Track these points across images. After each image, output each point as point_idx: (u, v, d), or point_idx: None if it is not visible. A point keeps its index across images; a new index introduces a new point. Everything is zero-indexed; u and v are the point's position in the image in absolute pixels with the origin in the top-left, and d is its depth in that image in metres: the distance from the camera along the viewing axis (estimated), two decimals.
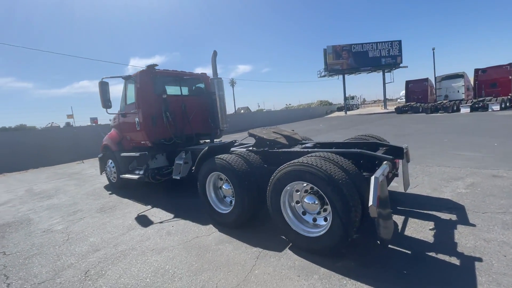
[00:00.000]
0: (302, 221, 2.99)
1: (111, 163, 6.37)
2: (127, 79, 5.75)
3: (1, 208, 5.83)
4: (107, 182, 6.98)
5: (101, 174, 7.01)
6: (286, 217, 2.98)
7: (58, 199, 6.07)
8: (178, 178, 5.08)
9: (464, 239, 2.80)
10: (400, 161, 3.57)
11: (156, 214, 4.52)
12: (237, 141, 5.45)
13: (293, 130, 4.81)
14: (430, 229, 3.09)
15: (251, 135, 4.29)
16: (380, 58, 36.73)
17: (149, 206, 4.95)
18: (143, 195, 5.73)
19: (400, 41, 36.75)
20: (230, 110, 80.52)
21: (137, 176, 5.43)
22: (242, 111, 72.76)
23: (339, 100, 42.96)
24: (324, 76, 39.85)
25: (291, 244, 3.01)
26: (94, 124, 6.38)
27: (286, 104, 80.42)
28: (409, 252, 2.70)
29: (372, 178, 2.43)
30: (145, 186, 6.30)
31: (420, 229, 3.11)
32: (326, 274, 2.47)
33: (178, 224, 3.98)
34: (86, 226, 4.25)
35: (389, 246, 2.82)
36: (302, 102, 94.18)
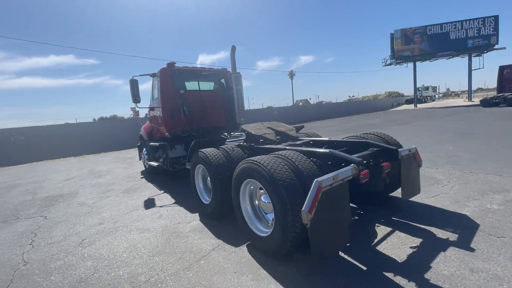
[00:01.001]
0: (262, 219, 2.93)
1: (144, 151, 7.29)
2: (153, 76, 6.41)
3: (66, 182, 7.39)
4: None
5: (139, 160, 8.08)
6: (244, 213, 2.97)
7: (103, 179, 7.32)
8: (189, 167, 5.50)
9: (444, 264, 2.30)
10: (389, 164, 3.07)
11: (162, 199, 5.03)
12: (228, 136, 5.52)
13: (293, 126, 4.62)
14: (411, 247, 2.62)
15: (242, 130, 4.32)
16: (465, 39, 30.62)
17: (162, 191, 5.53)
18: (164, 181, 6.40)
19: (496, 17, 29.80)
20: (288, 102, 79.50)
21: (157, 164, 6.10)
22: (300, 103, 71.26)
23: (411, 91, 37.46)
24: (390, 64, 35.56)
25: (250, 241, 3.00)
26: (136, 116, 7.39)
27: (349, 96, 74.81)
28: (364, 268, 2.37)
29: (314, 181, 2.22)
30: (170, 173, 6.99)
31: (399, 245, 2.67)
32: (261, 275, 2.40)
33: (173, 210, 4.36)
34: (108, 203, 5.05)
35: (348, 258, 2.53)
36: (367, 93, 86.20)
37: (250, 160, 2.73)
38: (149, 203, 4.81)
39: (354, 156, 2.71)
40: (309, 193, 2.17)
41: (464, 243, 2.58)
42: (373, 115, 25.96)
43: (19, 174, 9.77)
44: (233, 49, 6.41)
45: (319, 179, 2.22)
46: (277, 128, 4.35)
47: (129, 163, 9.76)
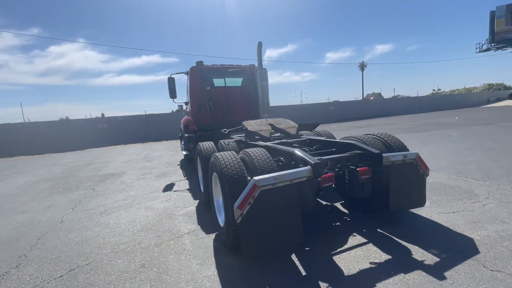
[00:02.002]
0: (221, 211, 3.06)
1: (182, 141, 8.17)
2: (187, 74, 7.09)
3: (123, 164, 8.93)
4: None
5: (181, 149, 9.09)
6: (215, 203, 3.16)
7: (150, 163, 8.54)
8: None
9: (392, 287, 2.01)
10: (368, 169, 2.75)
11: (181, 184, 5.64)
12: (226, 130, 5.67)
13: (295, 124, 4.50)
14: (371, 263, 2.35)
15: (242, 125, 4.45)
16: None
17: (185, 178, 6.16)
18: (193, 169, 7.07)
19: None
20: (358, 95, 73.59)
21: (186, 153, 6.79)
22: (371, 97, 65.06)
23: None
24: (487, 50, 28.99)
25: None
26: (181, 110, 8.19)
27: (433, 90, 63.94)
28: (304, 273, 2.28)
29: (252, 180, 2.25)
30: None
31: (359, 259, 2.43)
32: (207, 262, 2.57)
33: (182, 195, 4.88)
34: (141, 184, 5.96)
35: (296, 260, 2.46)
36: (457, 86, 72.20)
37: (214, 154, 2.89)
38: (168, 187, 5.46)
39: (315, 158, 2.56)
40: (244, 190, 2.21)
41: (439, 269, 2.17)
42: (455, 112, 21.88)
43: (98, 155, 12.23)
44: (260, 46, 6.51)
45: (257, 177, 2.23)
46: (278, 125, 4.32)
47: (177, 151, 11.03)
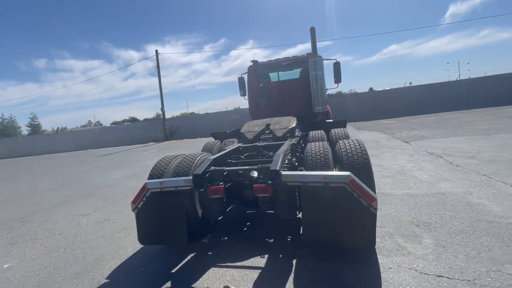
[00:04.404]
0: None
1: None
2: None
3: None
4: None
5: None
6: None
7: None
8: None
9: None
10: (264, 187, 2.32)
11: None
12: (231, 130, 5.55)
13: (288, 125, 4.01)
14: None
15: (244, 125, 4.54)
16: None
17: None
18: None
19: None
20: None
21: None
22: None
23: None
24: None
25: None
26: None
27: None
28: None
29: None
30: None
31: (216, 278, 2.28)
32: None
33: None
34: None
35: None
36: None
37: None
38: None
39: (202, 168, 2.53)
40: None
41: None
42: None
43: None
44: (313, 31, 5.96)
45: (149, 180, 2.65)
46: (272, 126, 4.06)
47: None
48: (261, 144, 3.63)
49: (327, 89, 7.63)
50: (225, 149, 3.44)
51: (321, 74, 6.02)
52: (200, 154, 3.04)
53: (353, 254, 2.31)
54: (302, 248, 2.59)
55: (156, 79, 23.36)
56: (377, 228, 2.22)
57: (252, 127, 4.21)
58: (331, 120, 6.14)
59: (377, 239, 2.42)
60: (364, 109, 19.39)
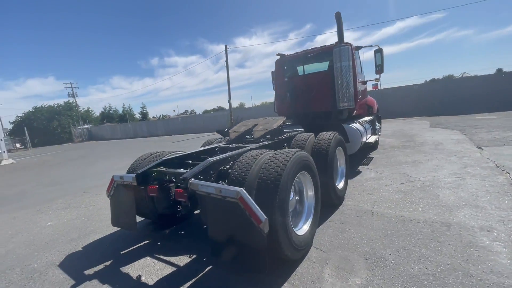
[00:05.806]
0: None
1: None
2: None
3: None
4: None
5: None
6: None
7: None
8: None
9: None
10: (182, 192, 2.42)
11: None
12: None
13: (280, 126, 3.78)
14: (137, 277, 2.45)
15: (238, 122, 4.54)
16: None
17: None
18: None
19: None
20: None
21: None
22: None
23: None
24: None
25: None
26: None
27: None
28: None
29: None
30: None
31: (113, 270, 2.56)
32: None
33: None
34: None
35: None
36: None
37: None
38: None
39: (144, 168, 2.82)
40: None
41: None
42: None
43: None
44: (338, 16, 5.31)
45: (115, 174, 3.15)
46: (257, 127, 3.92)
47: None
48: (222, 145, 3.64)
49: (366, 81, 6.63)
50: (199, 148, 3.63)
51: (347, 65, 5.35)
52: (169, 153, 3.32)
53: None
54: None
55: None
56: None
57: (239, 127, 4.21)
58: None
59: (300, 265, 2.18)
60: (469, 97, 15.61)
